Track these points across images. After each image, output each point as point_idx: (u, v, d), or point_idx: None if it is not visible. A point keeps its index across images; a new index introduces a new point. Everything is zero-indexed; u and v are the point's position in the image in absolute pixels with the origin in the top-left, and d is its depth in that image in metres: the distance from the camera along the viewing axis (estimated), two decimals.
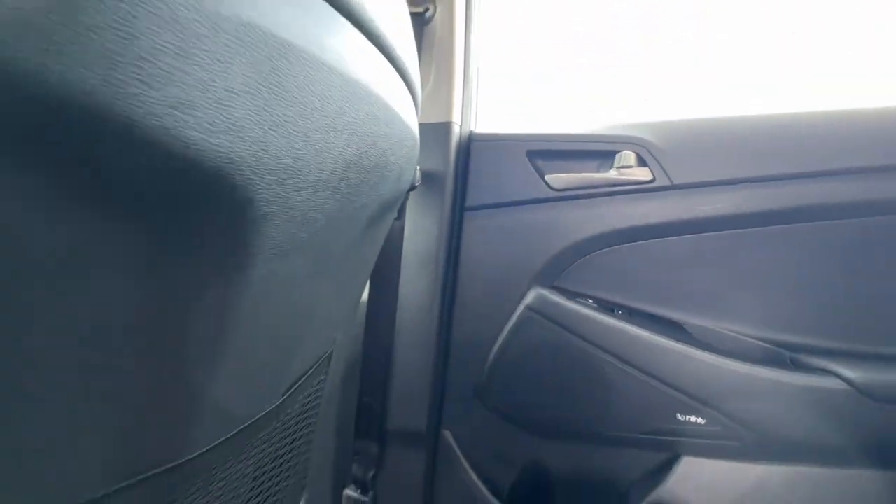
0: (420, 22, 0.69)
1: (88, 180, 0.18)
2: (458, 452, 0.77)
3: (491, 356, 0.74)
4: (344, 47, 0.28)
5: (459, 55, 0.71)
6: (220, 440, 0.34)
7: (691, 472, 0.66)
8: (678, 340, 0.66)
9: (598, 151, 0.71)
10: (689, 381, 0.65)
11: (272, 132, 0.24)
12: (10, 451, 0.22)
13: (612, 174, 0.69)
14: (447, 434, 0.78)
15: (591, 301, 0.70)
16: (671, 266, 0.68)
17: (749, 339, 0.67)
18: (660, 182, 0.67)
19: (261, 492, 0.44)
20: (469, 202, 0.75)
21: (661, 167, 0.67)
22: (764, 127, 0.66)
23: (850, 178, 0.62)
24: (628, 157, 0.68)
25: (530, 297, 0.72)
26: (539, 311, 0.71)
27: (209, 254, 0.25)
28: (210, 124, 0.20)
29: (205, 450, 0.33)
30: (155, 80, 0.17)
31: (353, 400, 0.77)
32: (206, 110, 0.19)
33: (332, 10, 0.27)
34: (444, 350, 0.77)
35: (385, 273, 0.73)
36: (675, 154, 0.67)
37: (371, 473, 0.78)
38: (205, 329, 0.27)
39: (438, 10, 0.69)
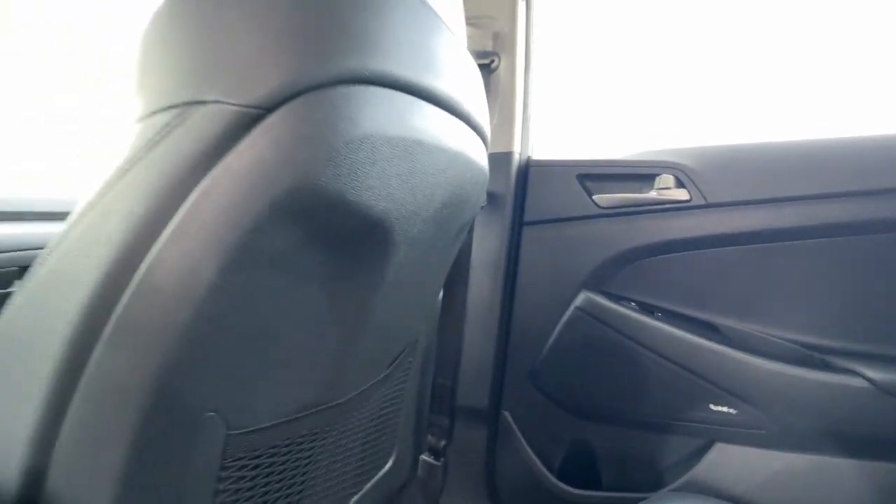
0: (487, 71, 0.85)
1: (322, 231, 0.35)
2: (516, 430, 0.91)
3: (545, 348, 0.87)
4: (448, 130, 0.44)
5: (519, 96, 0.86)
6: (354, 393, 0.50)
7: (723, 457, 0.75)
8: (712, 339, 0.75)
9: (640, 175, 0.82)
10: (722, 375, 0.74)
11: (406, 193, 0.40)
12: (259, 374, 0.39)
13: (653, 194, 0.80)
14: (506, 414, 0.92)
15: (633, 304, 0.81)
16: (706, 274, 0.77)
17: (777, 340, 0.74)
18: (696, 201, 0.77)
19: (368, 442, 0.61)
20: (527, 218, 0.88)
21: (697, 188, 0.77)
22: (792, 151, 0.74)
23: (868, 198, 0.68)
24: (667, 179, 0.79)
25: (580, 300, 0.84)
26: (587, 312, 0.83)
27: (366, 264, 0.41)
28: (380, 195, 0.36)
29: (346, 398, 0.49)
30: (367, 182, 0.34)
31: (429, 380, 0.93)
32: (379, 189, 0.36)
33: (443, 111, 0.42)
34: (505, 342, 0.91)
35: (457, 277, 0.89)
36: (709, 176, 0.77)
37: (443, 443, 0.94)
38: (359, 310, 0.44)
39: (502, 61, 0.84)
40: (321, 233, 0.34)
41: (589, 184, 0.85)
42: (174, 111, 0.28)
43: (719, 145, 0.80)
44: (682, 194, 0.78)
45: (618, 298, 0.83)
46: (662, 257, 0.80)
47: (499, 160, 0.86)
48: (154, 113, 0.29)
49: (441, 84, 0.42)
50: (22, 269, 1.03)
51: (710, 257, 0.77)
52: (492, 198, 0.86)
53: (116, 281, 0.28)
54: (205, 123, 0.27)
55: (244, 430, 0.38)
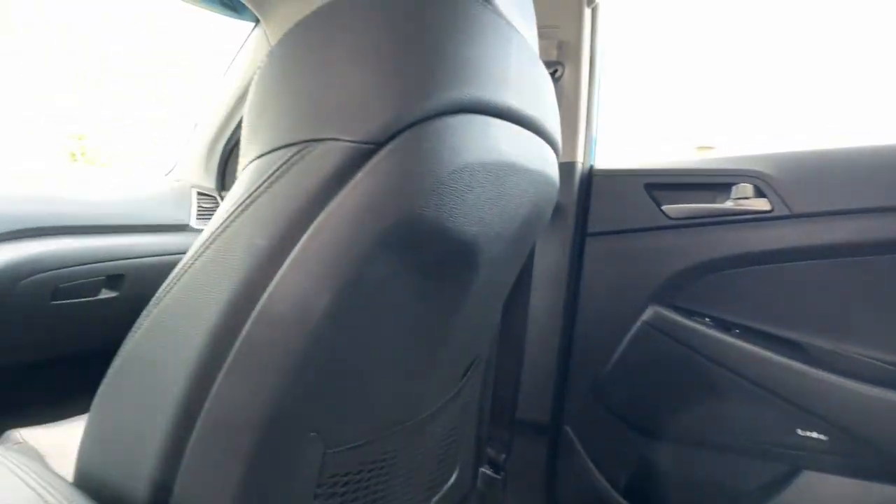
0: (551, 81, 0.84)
1: (419, 257, 0.35)
2: (579, 446, 0.89)
3: (610, 363, 0.85)
4: (532, 149, 0.44)
5: (583, 105, 0.84)
6: (432, 410, 0.51)
7: (811, 487, 0.70)
8: (797, 359, 0.70)
9: (714, 184, 0.78)
10: (811, 398, 0.69)
11: (495, 216, 0.40)
12: (354, 394, 0.40)
13: (729, 204, 0.76)
14: (568, 429, 0.90)
15: (707, 319, 0.78)
16: (789, 289, 0.73)
17: (872, 362, 0.68)
18: (778, 212, 0.72)
19: (439, 455, 0.61)
20: (590, 229, 0.86)
21: (780, 197, 0.72)
22: (884, 156, 0.68)
23: None
24: (745, 188, 0.74)
25: (648, 314, 0.81)
26: (657, 326, 0.80)
27: (451, 284, 0.42)
28: (473, 220, 0.36)
29: (426, 414, 0.50)
30: (464, 209, 0.34)
31: (489, 392, 0.93)
32: (473, 215, 0.36)
33: (527, 131, 0.42)
34: (566, 355, 0.90)
35: (518, 289, 0.88)
36: (793, 185, 0.72)
37: (503, 456, 0.93)
38: (441, 328, 0.44)
39: (567, 70, 0.82)
40: (417, 259, 0.35)
41: (657, 193, 0.82)
42: (292, 149, 0.29)
43: (803, 151, 0.74)
44: (762, 204, 0.74)
45: (690, 313, 0.79)
46: (740, 270, 0.76)
47: (562, 170, 0.84)
48: (273, 150, 0.30)
49: (527, 104, 0.42)
50: (109, 278, 1.11)
51: (795, 271, 0.72)
52: (555, 209, 0.85)
53: (239, 310, 0.29)
54: (322, 160, 0.29)
55: (339, 449, 0.39)
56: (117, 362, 0.35)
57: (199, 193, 1.37)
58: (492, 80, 0.36)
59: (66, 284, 1.00)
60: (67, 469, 0.72)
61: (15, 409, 1.17)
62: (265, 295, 0.29)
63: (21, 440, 0.71)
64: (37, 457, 0.69)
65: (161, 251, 1.18)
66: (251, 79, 1.21)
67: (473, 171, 0.34)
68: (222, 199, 1.45)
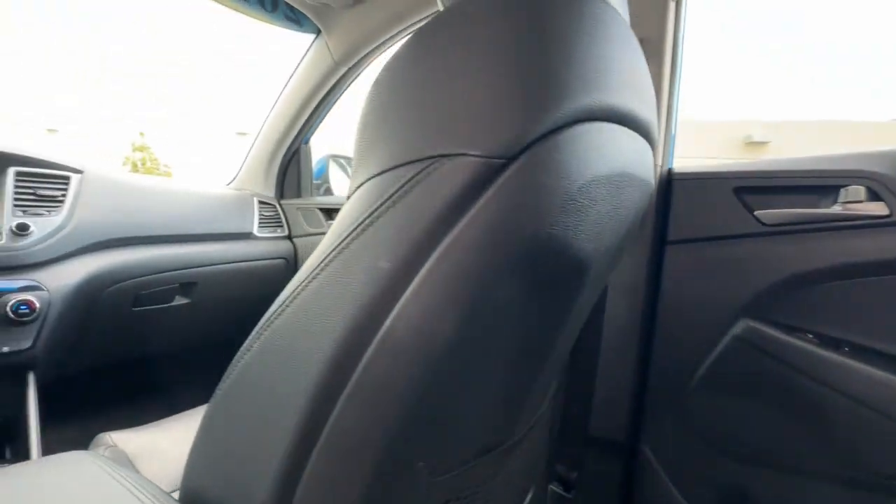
0: None
1: (539, 276, 0.33)
2: (658, 468, 0.83)
3: (694, 381, 0.79)
4: (644, 156, 0.40)
5: (664, 104, 0.79)
6: (523, 433, 0.49)
7: None
8: None
9: (816, 186, 0.71)
10: None
11: (609, 230, 0.37)
12: (461, 421, 0.38)
13: (836, 209, 0.69)
14: (646, 449, 0.85)
15: (811, 336, 0.70)
16: None
17: None
18: None
19: (521, 475, 0.59)
20: (670, 236, 0.81)
21: None
22: None
23: None
24: (857, 191, 0.67)
25: (739, 328, 0.75)
26: (749, 342, 0.74)
27: (560, 302, 0.39)
28: (591, 236, 0.34)
29: (518, 438, 0.47)
30: (585, 225, 0.31)
31: (559, 407, 0.89)
32: (592, 230, 0.33)
33: (641, 138, 0.39)
34: (644, 371, 0.84)
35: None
36: None
37: (574, 475, 0.89)
38: (543, 347, 0.41)
39: (649, 68, 0.77)
40: (536, 277, 0.32)
41: (748, 197, 0.75)
42: (418, 165, 0.28)
43: None
44: (877, 208, 0.66)
45: (789, 329, 0.72)
46: (848, 282, 0.68)
47: None
48: (395, 167, 0.29)
49: (643, 106, 0.39)
50: (182, 286, 1.16)
51: None
52: None
53: (361, 337, 0.28)
54: (451, 177, 0.27)
55: (442, 476, 0.37)
56: (226, 383, 0.35)
57: (260, 202, 1.41)
58: (615, 82, 0.33)
59: (145, 292, 1.05)
60: (154, 472, 0.74)
61: (99, 408, 1.25)
62: (388, 321, 0.27)
63: (112, 443, 0.74)
64: (126, 460, 0.72)
65: (228, 259, 1.22)
66: (312, 90, 1.23)
67: (599, 184, 0.32)
68: (282, 207, 1.49)
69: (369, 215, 0.29)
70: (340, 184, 1.70)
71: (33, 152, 0.91)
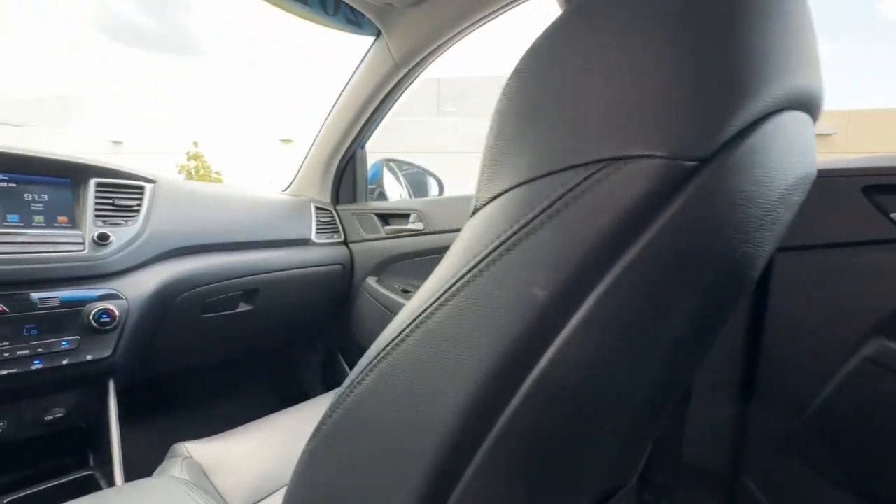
0: None
1: (718, 297, 0.27)
2: (765, 502, 0.74)
3: (813, 406, 0.69)
4: (810, 142, 0.33)
5: None
6: (637, 475, 0.42)
7: None
8: None
9: None
10: None
11: (776, 239, 0.30)
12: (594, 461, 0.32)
13: None
14: (749, 482, 0.76)
15: None
16: None
17: None
18: None
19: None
20: (782, 242, 0.71)
21: None
22: None
23: None
24: None
25: (870, 349, 0.64)
26: (885, 365, 0.63)
27: (721, 318, 0.33)
28: (769, 250, 0.27)
29: (632, 483, 0.41)
30: (773, 239, 0.25)
31: None
32: (771, 244, 0.27)
33: (808, 117, 0.32)
34: (748, 393, 0.75)
35: None
36: None
37: (663, 502, 0.81)
38: (685, 372, 0.35)
39: None
40: (710, 301, 0.27)
41: (882, 198, 0.65)
42: (581, 171, 0.22)
43: None
44: None
45: None
46: None
47: None
48: (548, 174, 0.23)
49: (820, 88, 0.32)
50: (246, 293, 1.17)
51: None
52: None
53: (506, 382, 0.23)
54: (629, 184, 0.21)
55: None
56: (332, 419, 0.31)
57: (317, 208, 1.41)
58: (804, 63, 0.27)
59: (212, 299, 1.06)
60: (228, 485, 0.73)
61: (168, 414, 1.28)
62: (542, 361, 0.22)
63: (188, 454, 0.73)
64: (201, 472, 0.71)
65: (288, 265, 1.21)
66: (371, 93, 1.19)
67: (796, 190, 0.26)
68: (337, 213, 1.48)
69: (515, 232, 0.23)
70: (393, 188, 1.68)
71: (109, 163, 0.93)
